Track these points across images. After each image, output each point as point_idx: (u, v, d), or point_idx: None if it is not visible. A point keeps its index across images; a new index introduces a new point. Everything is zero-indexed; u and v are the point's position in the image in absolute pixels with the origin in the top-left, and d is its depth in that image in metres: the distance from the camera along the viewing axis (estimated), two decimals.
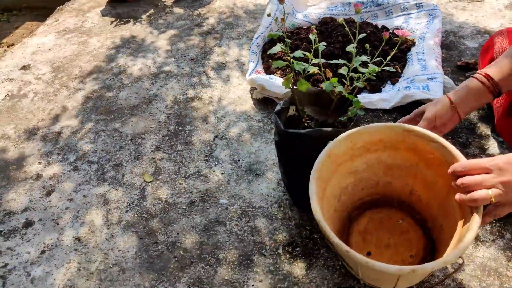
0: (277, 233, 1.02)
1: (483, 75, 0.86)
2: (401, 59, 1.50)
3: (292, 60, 0.90)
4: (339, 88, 0.89)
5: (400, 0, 1.73)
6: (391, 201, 0.94)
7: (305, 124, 0.97)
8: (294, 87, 0.92)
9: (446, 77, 1.35)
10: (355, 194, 0.93)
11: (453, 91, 0.91)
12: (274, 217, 1.06)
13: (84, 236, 1.06)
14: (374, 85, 1.40)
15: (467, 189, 0.68)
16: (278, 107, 0.94)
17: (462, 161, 0.73)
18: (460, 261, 0.73)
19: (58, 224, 1.10)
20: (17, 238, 1.08)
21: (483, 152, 1.17)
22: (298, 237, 1.01)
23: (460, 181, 0.69)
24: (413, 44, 1.54)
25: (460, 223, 0.74)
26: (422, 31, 1.57)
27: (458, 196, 0.70)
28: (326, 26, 1.65)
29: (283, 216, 1.06)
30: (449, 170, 0.72)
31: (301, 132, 0.86)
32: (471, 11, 1.80)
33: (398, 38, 1.55)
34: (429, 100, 1.26)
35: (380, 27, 1.66)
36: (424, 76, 1.34)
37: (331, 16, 1.74)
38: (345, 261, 0.79)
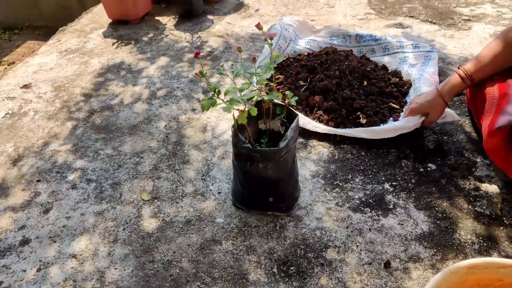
0: (272, 252, 1.04)
1: (463, 72, 1.18)
2: (398, 98, 1.49)
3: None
4: (270, 96, 0.99)
5: (396, 39, 1.76)
6: None
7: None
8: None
9: (448, 109, 1.30)
10: None
11: (440, 85, 1.25)
12: (269, 236, 1.08)
13: (81, 254, 1.08)
14: (373, 122, 1.37)
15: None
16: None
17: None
18: None
19: (55, 242, 1.12)
20: (13, 256, 1.09)
21: (470, 173, 1.21)
22: (293, 256, 1.03)
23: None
24: (410, 85, 1.55)
25: None
26: (418, 73, 1.57)
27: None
28: (327, 57, 1.67)
29: (278, 235, 1.08)
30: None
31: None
32: (459, 39, 1.88)
33: (396, 79, 1.56)
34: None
35: (381, 65, 1.68)
36: None
37: (332, 46, 1.79)
38: None
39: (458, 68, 1.20)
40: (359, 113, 1.41)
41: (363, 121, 1.39)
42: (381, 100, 1.47)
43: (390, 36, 1.91)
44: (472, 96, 1.23)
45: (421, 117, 1.29)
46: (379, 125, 1.37)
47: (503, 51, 1.12)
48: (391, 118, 1.41)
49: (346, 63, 1.59)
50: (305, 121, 1.38)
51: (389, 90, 1.51)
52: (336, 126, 1.39)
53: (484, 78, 1.17)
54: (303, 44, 1.81)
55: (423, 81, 1.50)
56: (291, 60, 1.73)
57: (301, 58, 1.72)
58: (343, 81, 1.50)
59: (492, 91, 1.08)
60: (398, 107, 1.45)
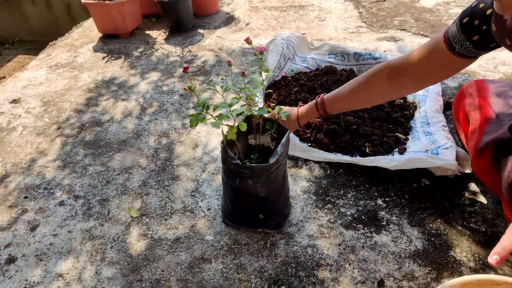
0: (262, 270, 1.02)
1: (320, 99, 1.12)
2: (403, 124, 1.44)
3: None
4: (260, 111, 0.99)
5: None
6: None
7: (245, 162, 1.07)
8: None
9: (459, 148, 1.25)
10: None
11: (303, 106, 1.18)
12: (260, 254, 1.06)
13: (68, 273, 1.05)
14: (378, 153, 1.31)
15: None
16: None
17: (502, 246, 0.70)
18: None
19: (41, 260, 1.08)
20: None
21: (464, 189, 1.21)
22: (284, 274, 1.01)
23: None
24: (415, 107, 1.51)
25: None
26: (422, 93, 1.52)
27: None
28: (327, 77, 1.64)
29: (269, 253, 1.06)
30: (493, 261, 0.68)
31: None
32: None
33: (400, 100, 1.49)
34: (437, 166, 1.19)
35: None
36: (436, 151, 1.26)
37: (331, 64, 1.77)
38: None
39: (323, 94, 1.14)
40: (363, 140, 1.35)
41: (369, 150, 1.33)
42: (387, 127, 1.41)
43: (383, 50, 1.92)
44: (456, 119, 1.25)
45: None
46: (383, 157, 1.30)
47: (365, 87, 1.06)
48: (396, 150, 1.33)
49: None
50: (305, 148, 1.34)
51: (395, 116, 1.44)
52: (338, 150, 1.34)
53: (340, 111, 1.13)
54: (300, 63, 1.79)
55: (428, 104, 1.45)
56: (289, 78, 1.71)
57: (300, 77, 1.69)
58: None
59: (475, 114, 1.09)
60: (404, 136, 1.39)
